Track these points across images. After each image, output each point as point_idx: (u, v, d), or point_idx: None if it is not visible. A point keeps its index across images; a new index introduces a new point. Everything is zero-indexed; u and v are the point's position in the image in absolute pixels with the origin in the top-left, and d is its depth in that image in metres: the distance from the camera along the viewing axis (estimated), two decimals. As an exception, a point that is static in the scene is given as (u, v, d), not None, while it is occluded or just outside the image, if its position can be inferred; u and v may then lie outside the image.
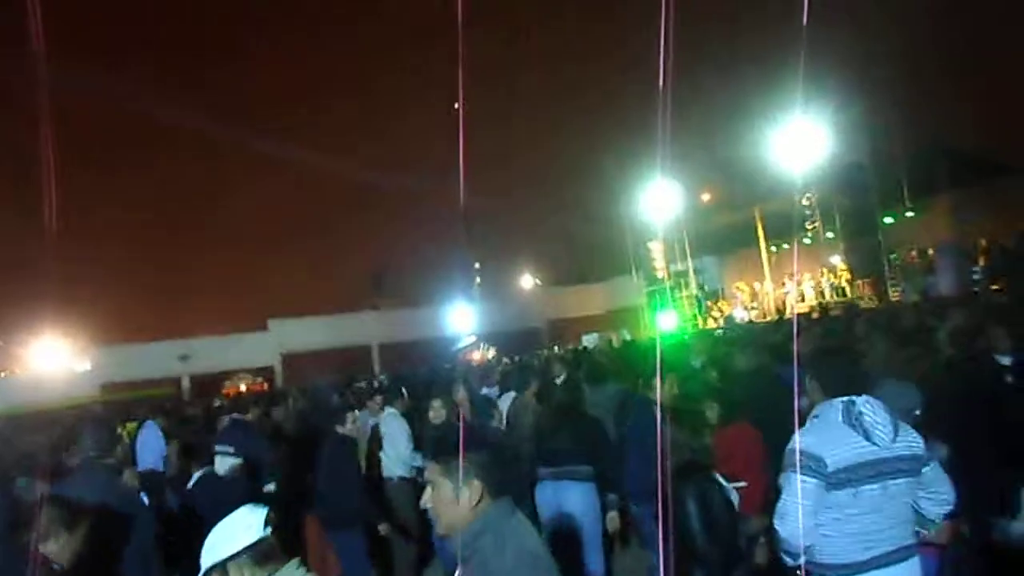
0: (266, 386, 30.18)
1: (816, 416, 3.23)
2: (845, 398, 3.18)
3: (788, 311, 22.73)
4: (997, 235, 20.47)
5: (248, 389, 29.31)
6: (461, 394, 6.97)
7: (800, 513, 3.00)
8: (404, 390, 8.18)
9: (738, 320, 24.29)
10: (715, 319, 25.97)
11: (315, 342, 33.63)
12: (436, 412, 6.35)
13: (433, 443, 5.34)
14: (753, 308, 25.74)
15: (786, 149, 21.56)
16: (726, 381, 6.41)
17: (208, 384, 29.65)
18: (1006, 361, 5.59)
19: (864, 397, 3.19)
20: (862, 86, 22.49)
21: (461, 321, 35.70)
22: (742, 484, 4.34)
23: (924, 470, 3.17)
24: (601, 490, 5.70)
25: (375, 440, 7.21)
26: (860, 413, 3.12)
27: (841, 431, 3.09)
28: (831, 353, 3.44)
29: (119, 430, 4.74)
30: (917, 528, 3.24)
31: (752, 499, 4.14)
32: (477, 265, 43.20)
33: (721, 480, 4.01)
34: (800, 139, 20.89)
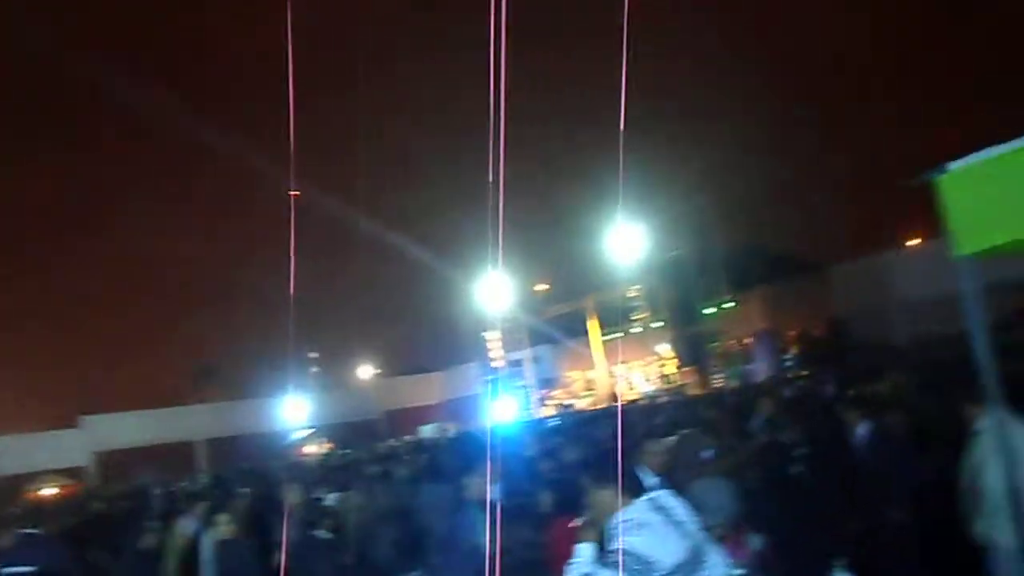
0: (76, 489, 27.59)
1: (635, 519, 3.07)
2: (648, 496, 3.15)
3: (620, 398, 23.35)
4: (806, 325, 22.19)
5: (57, 493, 26.69)
6: (292, 497, 6.59)
7: None
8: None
9: (573, 408, 24.72)
10: (551, 407, 26.30)
11: (134, 439, 31.34)
12: (222, 528, 5.52)
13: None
14: (587, 395, 26.29)
15: (616, 243, 22.59)
16: (560, 472, 6.39)
17: (7, 490, 26.76)
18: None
19: (663, 492, 3.22)
20: (686, 187, 24.06)
21: (295, 413, 34.38)
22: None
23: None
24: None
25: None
26: (669, 508, 3.11)
27: (664, 530, 3.04)
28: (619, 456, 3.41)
29: None
30: None
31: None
32: (313, 355, 41.97)
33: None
34: (629, 234, 21.97)
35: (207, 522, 6.04)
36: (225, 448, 32.37)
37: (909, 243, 24.97)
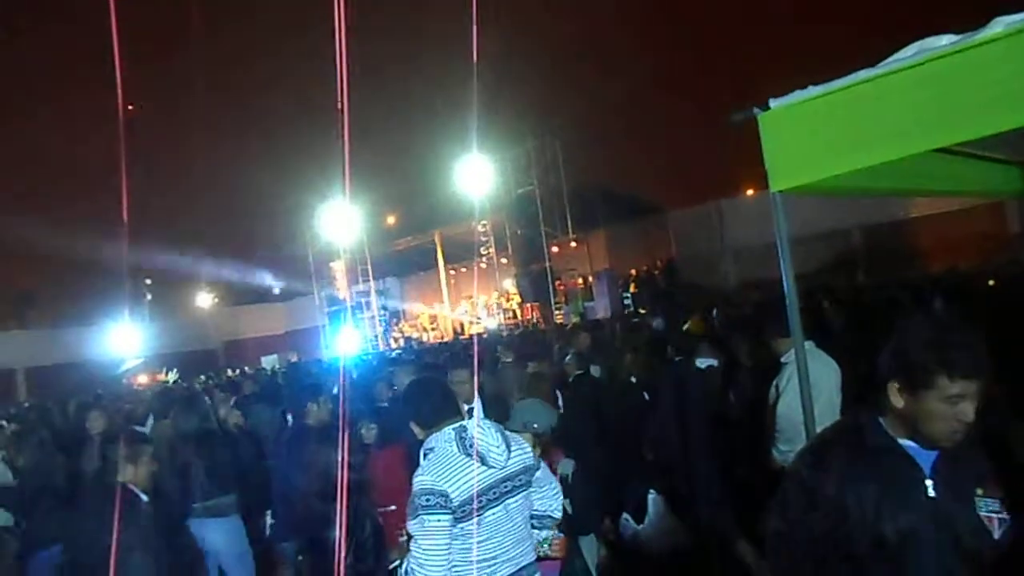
0: None
1: (431, 449, 3.12)
2: (456, 426, 3.13)
3: (464, 332, 23.56)
4: (645, 264, 23.05)
5: None
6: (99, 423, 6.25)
7: (441, 555, 2.88)
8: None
9: (416, 342, 24.73)
10: (396, 340, 26.20)
11: (-61, 366, 28.95)
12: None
13: None
14: (432, 329, 26.34)
15: (466, 177, 22.52)
16: (392, 402, 6.34)
17: None
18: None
19: (473, 420, 3.17)
20: (535, 124, 24.10)
21: (126, 342, 32.67)
22: (391, 508, 4.28)
23: (536, 475, 3.27)
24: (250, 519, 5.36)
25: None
26: (473, 438, 3.07)
27: (458, 461, 3.01)
28: (421, 387, 3.41)
29: None
30: (543, 541, 3.34)
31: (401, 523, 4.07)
32: (148, 281, 39.77)
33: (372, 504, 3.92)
34: (478, 169, 21.96)
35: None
36: (48, 377, 30.47)
37: (746, 192, 26.22)
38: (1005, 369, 4.31)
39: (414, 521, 2.94)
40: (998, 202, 15.91)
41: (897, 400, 2.01)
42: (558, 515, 3.39)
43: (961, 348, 1.92)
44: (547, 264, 23.01)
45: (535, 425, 3.57)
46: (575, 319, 21.05)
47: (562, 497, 3.44)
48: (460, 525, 2.95)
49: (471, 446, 3.05)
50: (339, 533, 3.36)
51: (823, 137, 3.26)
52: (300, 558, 3.78)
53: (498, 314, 23.88)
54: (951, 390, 1.90)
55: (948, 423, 1.91)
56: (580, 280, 23.99)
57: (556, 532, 3.37)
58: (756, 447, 4.87)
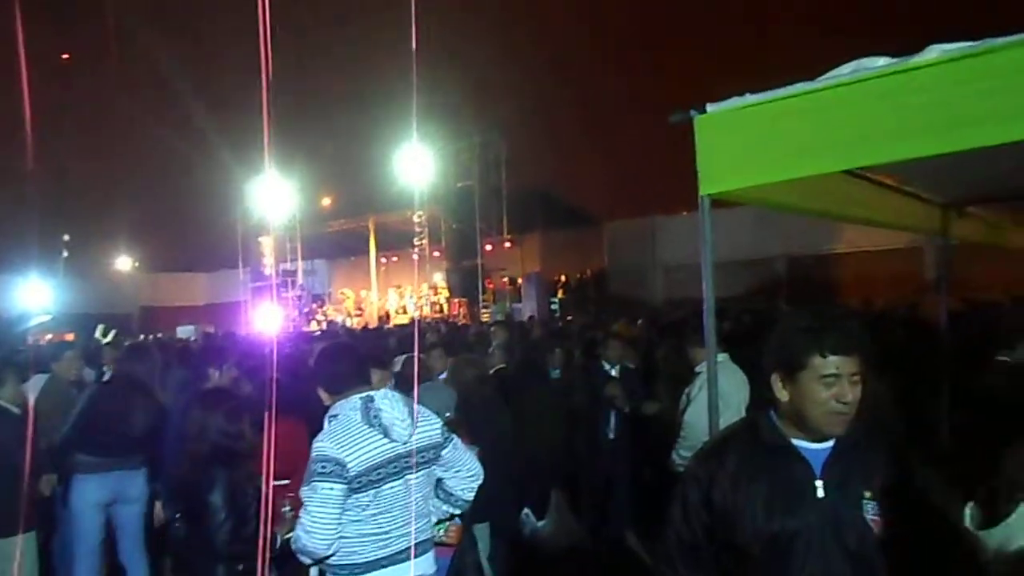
0: None
1: (335, 416, 3.06)
2: (363, 395, 3.07)
3: (389, 320, 23.33)
4: (576, 271, 23.23)
5: None
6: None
7: (330, 524, 2.86)
8: None
9: (341, 327, 24.38)
10: (318, 322, 25.80)
11: None
12: None
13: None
14: (357, 316, 26.00)
15: (406, 166, 22.33)
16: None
17: None
18: (555, 374, 6.23)
19: (382, 392, 3.12)
20: (481, 120, 24.05)
21: (35, 298, 31.43)
22: (285, 482, 4.17)
23: (444, 453, 3.20)
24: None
25: None
26: (379, 410, 3.01)
27: (360, 431, 2.96)
28: (332, 353, 3.37)
29: None
30: (438, 525, 3.29)
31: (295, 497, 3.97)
32: (65, 238, 38.34)
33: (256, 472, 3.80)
34: (419, 159, 21.79)
35: None
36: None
37: (681, 212, 26.59)
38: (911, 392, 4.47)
39: (307, 487, 2.89)
40: (917, 247, 16.54)
41: (781, 393, 2.02)
42: (467, 497, 3.31)
43: (831, 328, 1.95)
44: (479, 261, 22.98)
45: (448, 414, 3.53)
46: (500, 319, 21.03)
47: (478, 483, 3.36)
48: (354, 496, 2.89)
49: (375, 417, 2.99)
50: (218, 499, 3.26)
51: (755, 145, 3.27)
52: (177, 524, 3.65)
53: (425, 306, 23.70)
54: (825, 369, 1.92)
55: (828, 405, 1.93)
56: (509, 281, 24.02)
57: (454, 519, 3.31)
58: (664, 451, 4.91)
